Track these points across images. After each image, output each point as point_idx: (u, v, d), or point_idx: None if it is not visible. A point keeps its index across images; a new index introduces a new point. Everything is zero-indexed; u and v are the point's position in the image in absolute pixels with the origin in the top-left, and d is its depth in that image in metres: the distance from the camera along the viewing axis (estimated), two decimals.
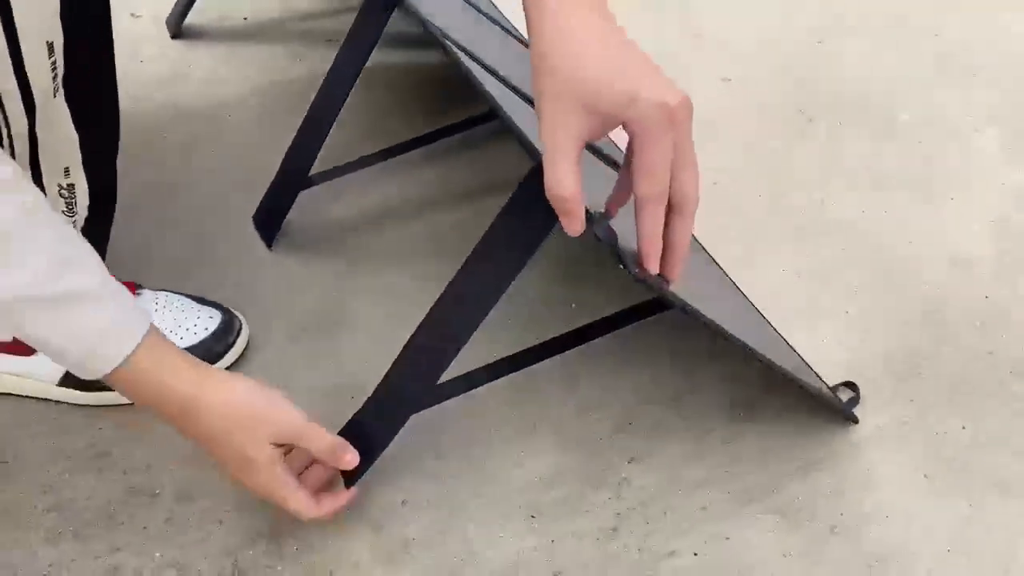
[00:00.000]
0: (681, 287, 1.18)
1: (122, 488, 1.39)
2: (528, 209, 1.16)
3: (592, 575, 1.32)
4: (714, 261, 1.73)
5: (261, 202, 1.81)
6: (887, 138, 2.08)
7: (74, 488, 1.39)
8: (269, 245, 1.77)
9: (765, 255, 1.80)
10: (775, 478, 1.45)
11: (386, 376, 1.37)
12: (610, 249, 1.08)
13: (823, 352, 1.61)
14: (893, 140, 2.07)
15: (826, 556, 1.36)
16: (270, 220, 1.79)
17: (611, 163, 1.55)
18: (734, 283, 1.68)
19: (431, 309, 1.30)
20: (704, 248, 1.74)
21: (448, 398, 1.43)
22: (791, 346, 1.58)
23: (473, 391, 1.47)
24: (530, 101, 1.34)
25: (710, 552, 1.36)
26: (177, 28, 2.26)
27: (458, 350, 1.26)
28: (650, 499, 1.41)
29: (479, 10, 2.00)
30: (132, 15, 2.31)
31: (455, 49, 1.48)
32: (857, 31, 2.38)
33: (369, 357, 1.55)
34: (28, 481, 1.39)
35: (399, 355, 1.35)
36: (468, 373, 1.45)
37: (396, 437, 1.38)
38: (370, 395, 1.40)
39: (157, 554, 1.32)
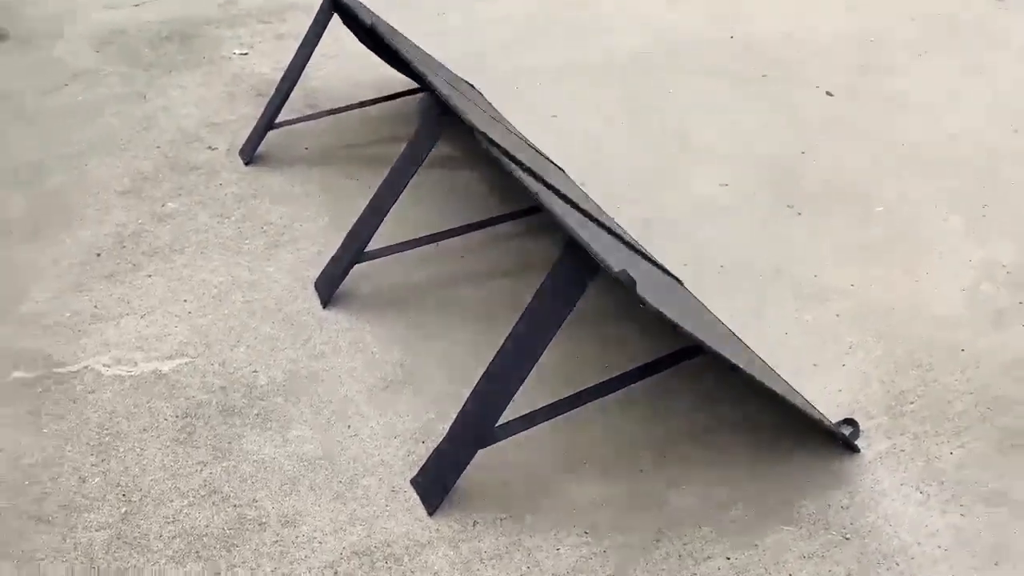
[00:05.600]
0: (699, 333, 1.47)
1: (236, 517, 1.62)
2: (566, 278, 1.48)
3: (643, 573, 1.54)
4: (722, 323, 2.01)
5: (319, 276, 2.14)
6: (866, 226, 2.40)
7: (194, 521, 1.62)
8: (324, 305, 2.08)
9: (770, 319, 2.08)
10: (794, 496, 1.68)
11: (456, 420, 1.64)
12: (631, 292, 1.37)
13: (826, 396, 1.88)
14: (872, 227, 2.39)
15: (839, 557, 1.57)
16: (327, 290, 2.11)
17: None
18: (742, 341, 1.96)
19: (489, 365, 1.59)
20: (715, 315, 2.02)
21: (506, 437, 1.68)
22: (795, 389, 1.84)
23: (528, 433, 1.73)
24: (562, 196, 1.68)
25: (740, 556, 1.57)
26: (250, 156, 2.63)
27: (511, 397, 1.56)
28: (687, 516, 1.64)
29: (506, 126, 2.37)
30: (210, 148, 2.69)
31: (499, 154, 1.81)
32: (830, 138, 2.77)
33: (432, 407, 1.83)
34: (154, 516, 1.62)
35: (465, 403, 1.63)
36: (521, 417, 1.70)
37: (468, 470, 1.63)
38: (444, 435, 1.66)
39: (269, 567, 1.53)
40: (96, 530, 1.60)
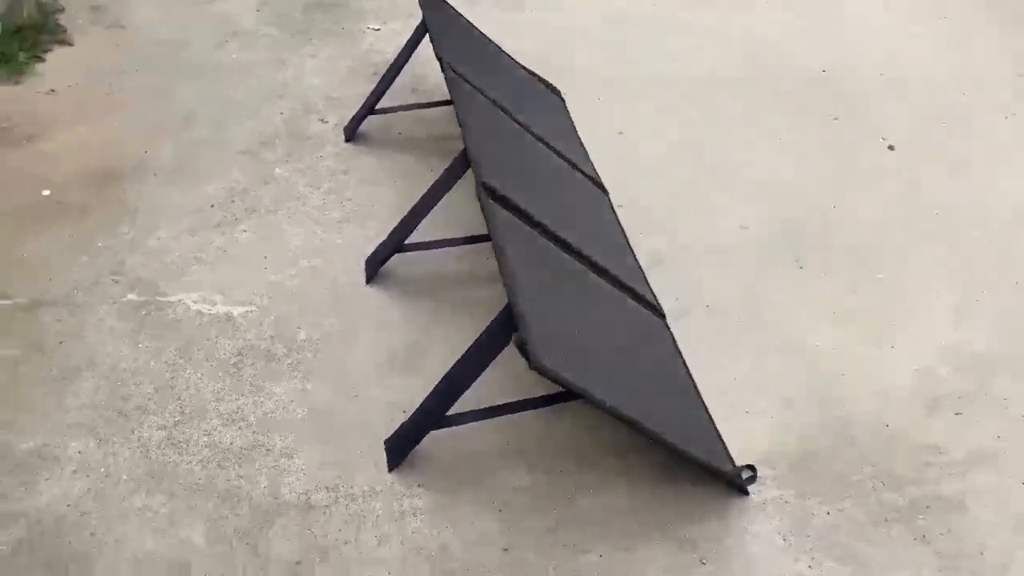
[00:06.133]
0: (599, 379, 1.86)
1: (251, 441, 2.18)
2: (498, 332, 1.90)
3: (530, 553, 1.98)
4: (683, 362, 2.34)
5: (370, 255, 2.62)
6: (860, 291, 2.63)
7: (222, 438, 2.19)
8: (367, 282, 2.58)
9: (729, 363, 2.40)
10: (678, 518, 2.05)
11: (420, 405, 2.11)
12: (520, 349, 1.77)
13: (744, 441, 2.21)
14: (865, 293, 2.62)
15: None
16: (372, 268, 2.59)
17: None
18: (691, 379, 2.30)
19: (448, 371, 2.04)
20: (679, 350, 2.37)
21: (452, 426, 2.11)
22: (717, 431, 2.19)
23: (486, 424, 2.17)
24: (560, 240, 2.06)
25: (612, 556, 1.98)
26: (351, 134, 3.13)
27: (458, 396, 2.00)
28: (584, 515, 2.05)
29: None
30: (321, 120, 3.21)
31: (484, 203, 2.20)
32: (868, 195, 2.96)
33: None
34: (197, 428, 2.20)
35: (429, 393, 2.09)
36: (465, 412, 2.12)
37: (424, 444, 2.11)
38: (411, 415, 2.14)
39: (264, 484, 2.08)
40: (156, 430, 2.19)
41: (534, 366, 1.72)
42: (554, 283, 2.09)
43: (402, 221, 2.59)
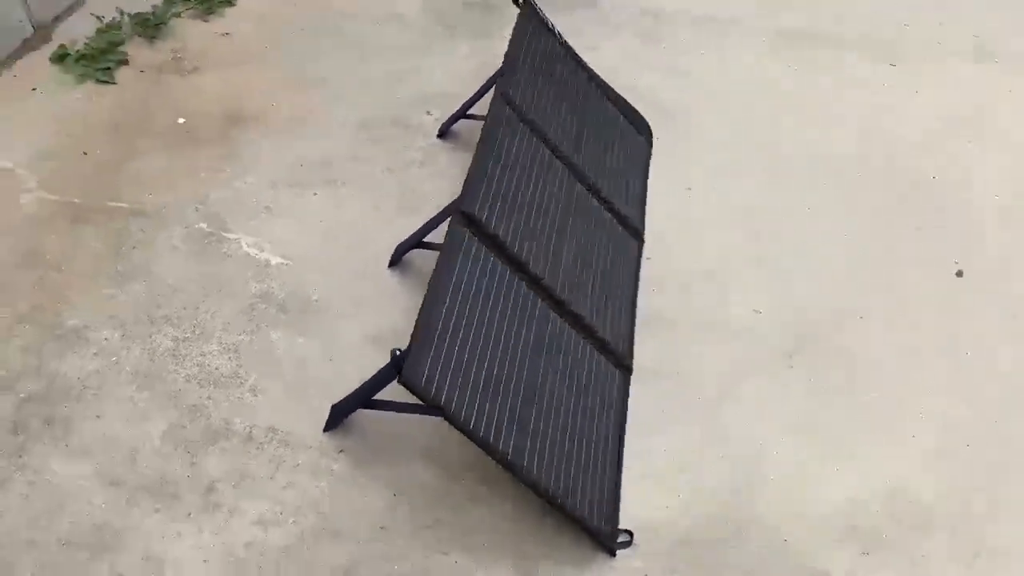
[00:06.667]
0: (482, 409, 2.07)
1: (232, 372, 2.58)
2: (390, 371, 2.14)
3: (401, 539, 2.24)
4: (619, 417, 2.48)
5: (400, 243, 2.92)
6: (840, 405, 2.62)
7: (212, 361, 2.60)
8: (389, 266, 2.90)
9: (670, 433, 2.51)
10: (540, 554, 2.24)
11: (356, 389, 2.41)
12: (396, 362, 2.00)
13: (643, 509, 2.33)
14: (843, 409, 2.61)
15: None
16: (397, 254, 2.90)
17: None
18: (620, 435, 2.43)
19: (373, 375, 2.32)
20: (624, 405, 2.50)
21: (376, 409, 2.37)
22: (617, 490, 2.32)
23: (427, 420, 2.40)
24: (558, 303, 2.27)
25: (464, 564, 2.20)
26: (443, 130, 3.43)
27: (379, 389, 2.28)
28: (463, 523, 2.29)
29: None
30: (427, 112, 3.54)
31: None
32: (913, 316, 2.88)
33: None
34: (197, 349, 2.63)
35: (363, 383, 2.38)
36: (387, 401, 2.37)
37: (366, 419, 2.42)
38: (349, 393, 2.44)
39: (224, 409, 2.48)
40: (169, 340, 2.64)
41: (401, 380, 1.97)
42: (490, 314, 2.30)
43: (430, 220, 2.86)
